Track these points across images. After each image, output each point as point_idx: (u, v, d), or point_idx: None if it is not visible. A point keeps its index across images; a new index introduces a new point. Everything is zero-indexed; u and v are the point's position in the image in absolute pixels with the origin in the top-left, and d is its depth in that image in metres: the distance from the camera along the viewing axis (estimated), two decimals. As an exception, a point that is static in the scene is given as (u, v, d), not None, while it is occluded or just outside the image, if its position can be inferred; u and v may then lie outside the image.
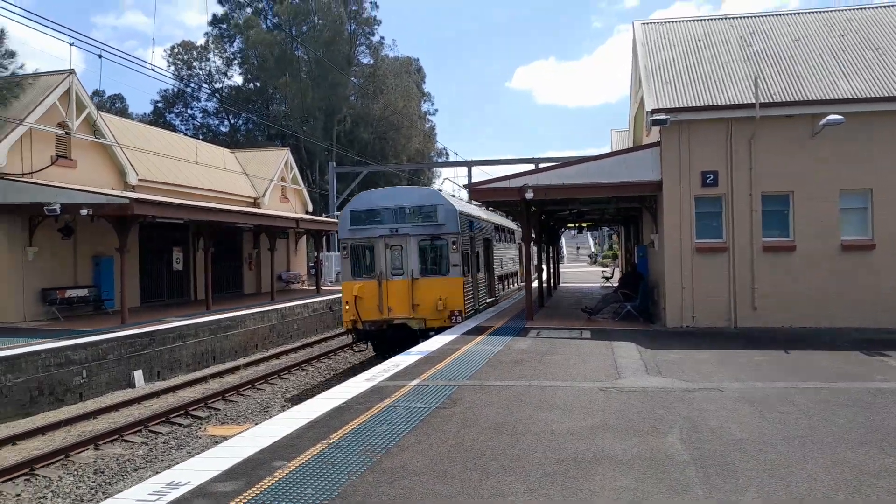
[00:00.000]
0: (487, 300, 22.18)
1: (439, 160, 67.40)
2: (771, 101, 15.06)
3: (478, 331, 15.46)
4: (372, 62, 63.01)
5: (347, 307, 17.38)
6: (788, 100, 15.12)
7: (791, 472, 5.53)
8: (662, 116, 15.24)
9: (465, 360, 11.49)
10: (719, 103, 15.40)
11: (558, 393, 8.72)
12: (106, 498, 5.29)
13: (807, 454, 5.98)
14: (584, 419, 7.37)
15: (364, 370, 11.41)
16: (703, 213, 15.68)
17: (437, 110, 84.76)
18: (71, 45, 22.10)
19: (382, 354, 17.37)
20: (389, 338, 17.40)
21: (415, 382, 9.55)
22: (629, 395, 8.60)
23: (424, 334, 16.47)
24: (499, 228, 26.07)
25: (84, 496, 9.40)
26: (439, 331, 15.85)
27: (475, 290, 19.63)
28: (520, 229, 25.11)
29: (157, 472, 5.89)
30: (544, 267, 30.45)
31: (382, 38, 66.56)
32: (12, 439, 11.67)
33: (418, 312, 17.07)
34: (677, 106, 15.51)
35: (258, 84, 62.06)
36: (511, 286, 30.16)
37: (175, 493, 5.29)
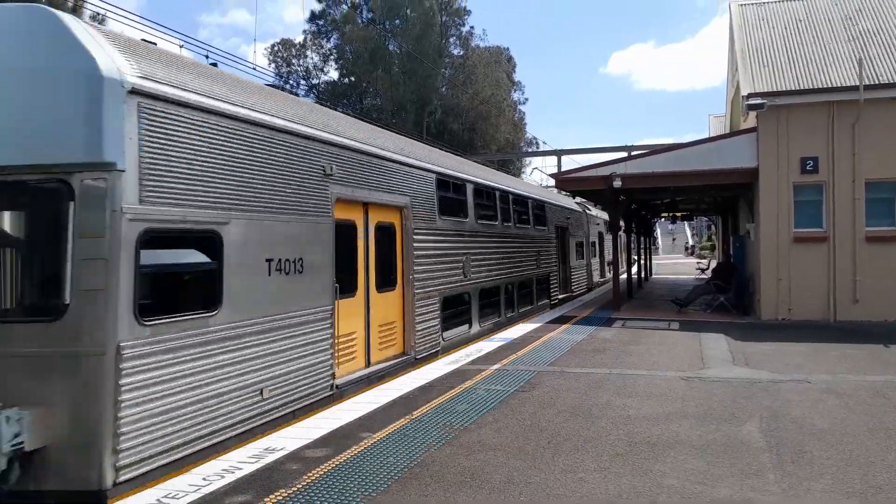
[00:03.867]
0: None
1: (529, 150, 67.07)
2: (877, 82, 14.24)
3: (562, 320, 15.56)
4: (462, 53, 63.36)
5: None
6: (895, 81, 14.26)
7: (871, 462, 5.44)
8: (759, 101, 14.73)
9: (547, 347, 11.67)
10: (820, 86, 14.71)
11: (638, 381, 8.77)
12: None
13: (891, 446, 5.84)
14: (661, 406, 7.43)
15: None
16: (801, 201, 15.05)
17: (527, 99, 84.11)
18: (181, 47, 23.70)
19: None
20: None
21: (495, 367, 9.85)
22: (712, 384, 8.55)
23: None
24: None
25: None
26: None
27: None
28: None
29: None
30: (635, 257, 30.65)
31: (472, 28, 66.77)
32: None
33: None
34: (775, 90, 14.94)
35: (352, 79, 63.75)
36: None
37: (272, 457, 5.84)
